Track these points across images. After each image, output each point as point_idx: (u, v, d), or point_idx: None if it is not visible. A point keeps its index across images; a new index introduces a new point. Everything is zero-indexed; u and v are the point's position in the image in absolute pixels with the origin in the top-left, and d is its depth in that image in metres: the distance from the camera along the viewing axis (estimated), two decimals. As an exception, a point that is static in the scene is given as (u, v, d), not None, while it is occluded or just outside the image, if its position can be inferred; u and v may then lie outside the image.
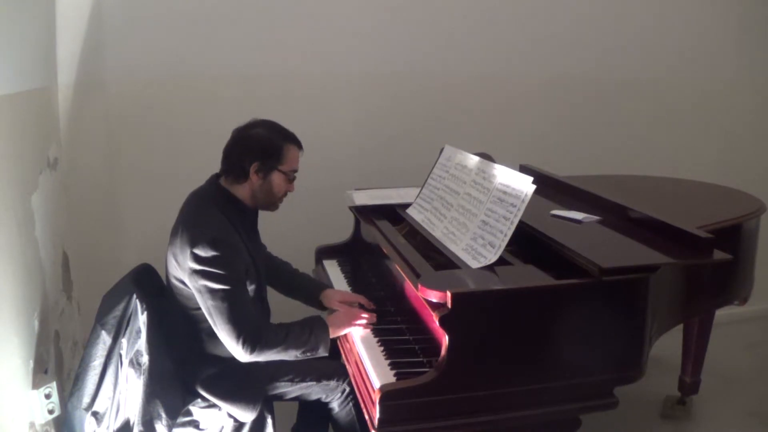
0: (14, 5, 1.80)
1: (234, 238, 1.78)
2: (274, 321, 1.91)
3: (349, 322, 1.89)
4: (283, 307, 2.11)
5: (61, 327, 2.17)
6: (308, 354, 1.80)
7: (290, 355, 1.78)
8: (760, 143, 3.49)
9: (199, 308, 1.77)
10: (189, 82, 2.63)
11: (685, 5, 3.24)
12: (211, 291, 1.71)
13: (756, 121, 3.48)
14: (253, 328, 1.73)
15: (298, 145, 1.90)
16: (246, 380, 1.83)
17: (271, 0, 2.68)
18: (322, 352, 1.83)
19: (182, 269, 1.75)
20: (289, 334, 1.78)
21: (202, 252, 1.70)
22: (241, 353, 1.73)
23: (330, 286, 2.20)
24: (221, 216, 1.80)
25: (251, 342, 1.71)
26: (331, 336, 1.85)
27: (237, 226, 1.83)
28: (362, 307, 1.99)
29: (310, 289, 2.13)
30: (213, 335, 1.79)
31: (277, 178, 1.87)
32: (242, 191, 1.87)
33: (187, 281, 1.76)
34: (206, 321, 1.78)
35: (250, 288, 1.82)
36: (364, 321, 1.89)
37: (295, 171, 1.91)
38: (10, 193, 1.73)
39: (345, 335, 1.88)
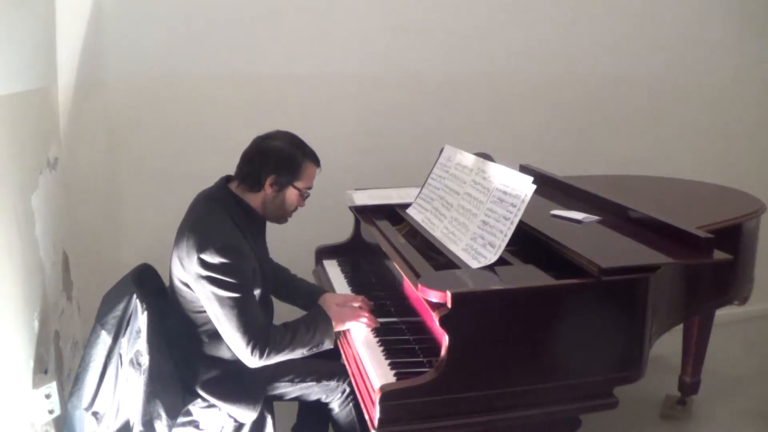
0: (14, 5, 1.80)
1: (242, 244, 1.77)
2: (274, 321, 1.91)
3: (352, 317, 1.88)
4: (283, 308, 2.10)
5: (61, 327, 2.17)
6: (314, 350, 1.81)
7: (297, 354, 1.78)
8: (761, 143, 3.49)
9: (201, 311, 1.77)
10: (189, 82, 2.63)
11: (686, 4, 3.23)
12: (220, 298, 1.70)
13: (756, 120, 3.48)
14: (261, 335, 1.72)
15: (317, 163, 1.89)
16: (246, 381, 1.82)
17: (271, 0, 2.68)
18: (328, 345, 1.83)
19: (187, 272, 1.74)
20: (295, 334, 1.77)
21: (209, 258, 1.68)
22: (251, 360, 1.72)
23: (328, 290, 2.18)
24: (230, 221, 1.78)
25: (260, 348, 1.71)
26: (335, 329, 1.84)
27: (245, 231, 1.81)
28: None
29: (309, 294, 2.10)
30: (213, 337, 1.79)
31: (291, 194, 1.86)
32: (254, 200, 1.86)
33: (192, 285, 1.75)
34: (207, 323, 1.78)
35: (256, 292, 1.81)
36: (366, 319, 1.88)
37: (310, 188, 1.90)
38: (10, 193, 1.73)
39: (345, 335, 1.88)
